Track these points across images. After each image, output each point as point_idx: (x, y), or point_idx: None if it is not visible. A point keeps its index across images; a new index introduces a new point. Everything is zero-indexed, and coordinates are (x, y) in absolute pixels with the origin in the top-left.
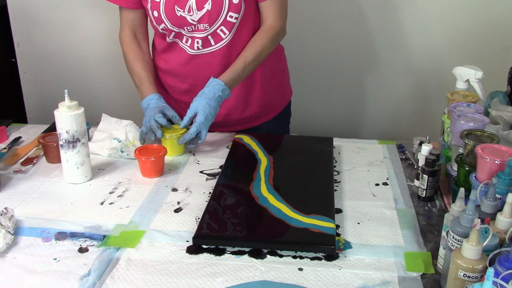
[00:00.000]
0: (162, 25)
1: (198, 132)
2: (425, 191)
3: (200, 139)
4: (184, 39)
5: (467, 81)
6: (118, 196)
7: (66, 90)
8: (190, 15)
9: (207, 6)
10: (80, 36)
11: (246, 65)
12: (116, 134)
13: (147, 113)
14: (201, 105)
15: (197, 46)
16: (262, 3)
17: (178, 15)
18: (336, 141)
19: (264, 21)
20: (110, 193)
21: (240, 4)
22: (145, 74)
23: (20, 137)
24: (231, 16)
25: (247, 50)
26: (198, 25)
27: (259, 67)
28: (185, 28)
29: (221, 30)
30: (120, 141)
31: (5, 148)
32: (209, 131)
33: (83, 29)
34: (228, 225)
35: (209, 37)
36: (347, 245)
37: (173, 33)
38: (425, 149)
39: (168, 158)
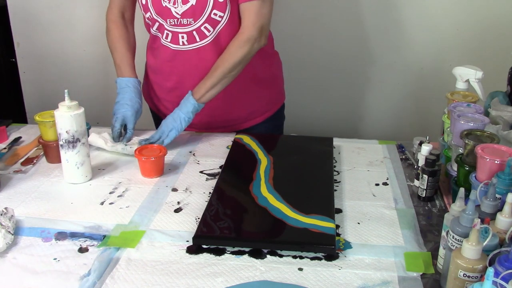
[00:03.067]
0: (148, 14)
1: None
2: (425, 191)
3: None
4: (165, 35)
5: (467, 81)
6: (118, 196)
7: (66, 90)
8: (175, 7)
9: (192, 1)
10: (80, 36)
11: (210, 74)
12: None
13: (121, 107)
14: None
15: (182, 42)
16: (240, 5)
17: (163, 5)
18: (336, 141)
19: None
20: (110, 193)
21: (225, 3)
22: (128, 54)
23: (20, 137)
24: (215, 14)
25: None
26: (182, 19)
27: (242, 72)
28: (167, 20)
29: (205, 27)
30: None
31: (5, 148)
32: (208, 131)
33: (83, 29)
34: (228, 225)
35: (194, 32)
36: (347, 245)
37: (157, 24)
38: (425, 149)
39: (168, 158)
